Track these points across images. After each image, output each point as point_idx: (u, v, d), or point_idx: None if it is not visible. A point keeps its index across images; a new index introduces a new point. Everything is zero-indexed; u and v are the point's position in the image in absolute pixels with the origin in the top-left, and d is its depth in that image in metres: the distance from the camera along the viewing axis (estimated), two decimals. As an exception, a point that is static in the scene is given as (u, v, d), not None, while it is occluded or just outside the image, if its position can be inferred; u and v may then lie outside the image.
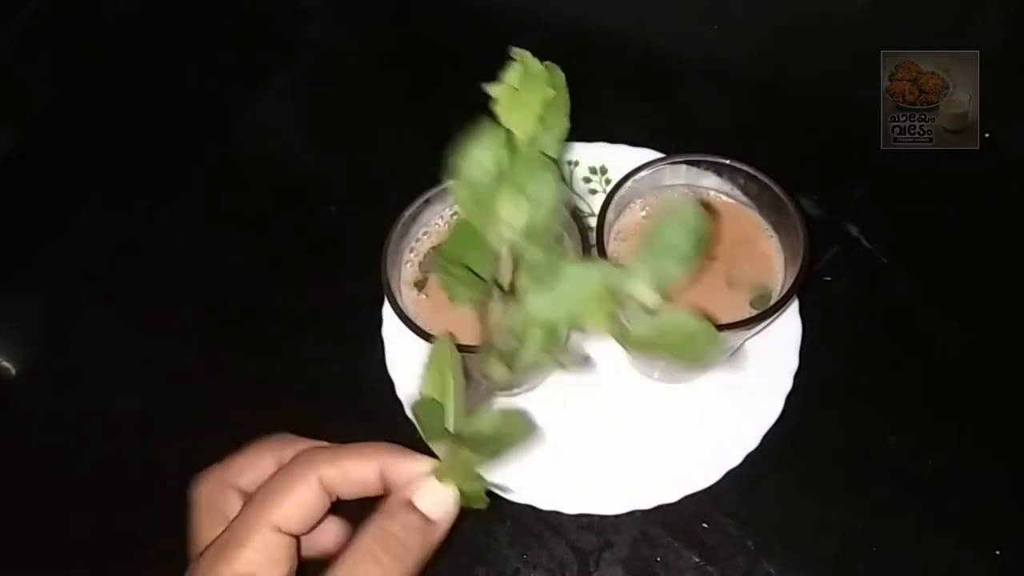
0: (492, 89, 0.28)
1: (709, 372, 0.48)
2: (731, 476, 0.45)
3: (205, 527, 0.30)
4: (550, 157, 0.29)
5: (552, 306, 0.28)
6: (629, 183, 0.43)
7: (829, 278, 0.53)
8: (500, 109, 0.28)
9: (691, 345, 0.27)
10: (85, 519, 0.48)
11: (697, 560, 0.45)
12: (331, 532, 0.33)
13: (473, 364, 0.42)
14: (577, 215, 0.41)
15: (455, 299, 0.30)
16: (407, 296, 0.43)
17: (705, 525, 0.46)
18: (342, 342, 0.52)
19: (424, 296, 0.42)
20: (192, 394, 0.52)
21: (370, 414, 0.48)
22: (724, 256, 0.43)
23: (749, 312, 0.41)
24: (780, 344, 0.48)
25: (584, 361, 0.47)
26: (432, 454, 0.30)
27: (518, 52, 0.28)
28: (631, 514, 0.45)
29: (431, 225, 0.44)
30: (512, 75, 0.28)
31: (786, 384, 0.47)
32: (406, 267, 0.43)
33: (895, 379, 0.50)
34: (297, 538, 0.30)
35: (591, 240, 0.41)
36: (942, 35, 0.63)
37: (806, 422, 0.47)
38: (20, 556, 0.48)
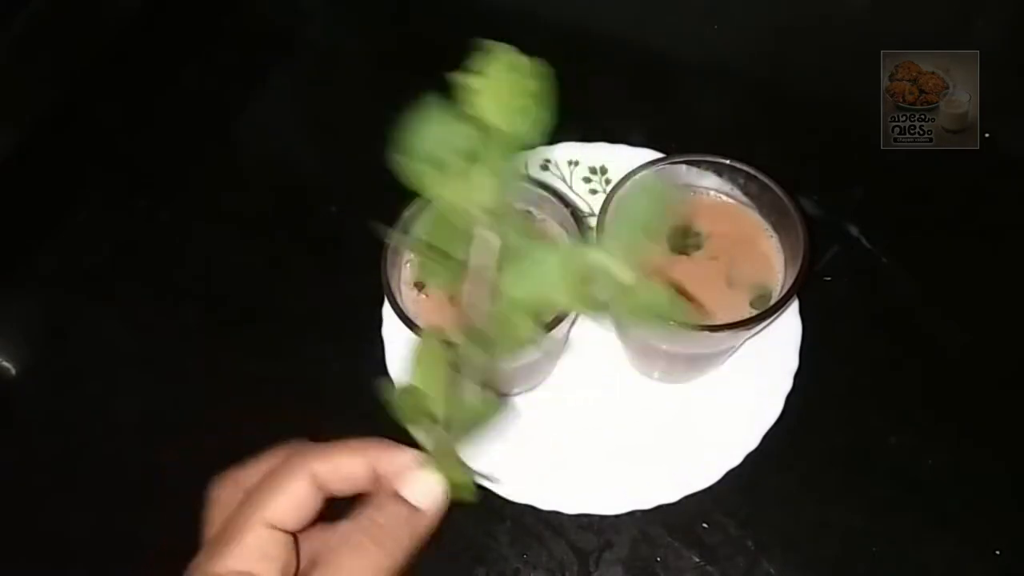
0: (465, 78, 0.28)
1: (709, 372, 0.48)
2: (731, 476, 0.45)
3: (259, 496, 0.30)
4: (526, 147, 0.29)
5: (527, 287, 0.28)
6: (629, 183, 0.43)
7: (829, 278, 0.53)
8: (475, 98, 0.28)
9: (662, 316, 0.28)
10: (85, 519, 0.48)
11: (697, 560, 0.45)
12: None
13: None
14: (577, 215, 0.41)
15: (428, 280, 0.31)
16: (407, 296, 0.43)
17: (705, 525, 0.46)
18: (342, 342, 0.52)
19: (424, 296, 0.42)
20: (192, 394, 0.52)
21: (370, 414, 0.47)
22: (724, 256, 0.43)
23: (749, 312, 0.41)
24: (780, 344, 0.48)
25: (562, 344, 0.47)
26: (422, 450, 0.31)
27: (492, 45, 0.28)
28: (631, 514, 0.45)
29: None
30: (488, 66, 0.28)
31: (786, 384, 0.47)
32: (406, 267, 0.43)
33: (895, 379, 0.50)
34: (294, 535, 0.30)
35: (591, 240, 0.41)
36: (942, 35, 0.63)
37: (806, 422, 0.47)
38: (20, 556, 0.48)
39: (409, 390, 0.30)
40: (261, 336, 0.54)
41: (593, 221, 0.43)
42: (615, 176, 0.48)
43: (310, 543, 0.31)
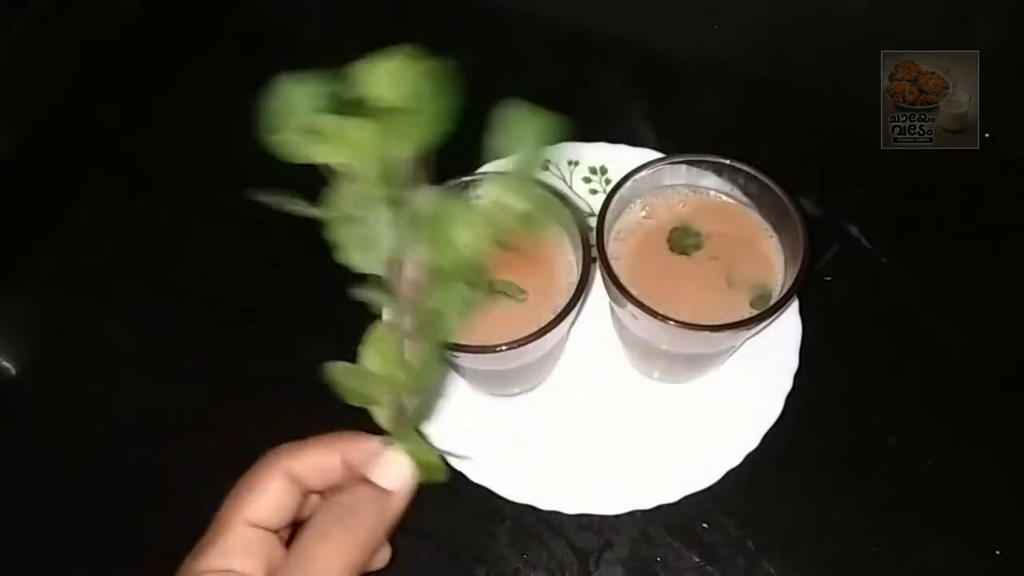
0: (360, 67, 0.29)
1: (709, 372, 0.48)
2: (731, 476, 0.45)
3: (236, 496, 0.31)
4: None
5: (450, 253, 0.30)
6: (629, 183, 0.43)
7: (829, 278, 0.53)
8: (367, 82, 0.29)
9: (545, 213, 0.30)
10: (85, 519, 0.48)
11: (697, 560, 0.45)
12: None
13: (469, 361, 0.42)
14: (577, 215, 0.41)
15: (346, 257, 0.32)
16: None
17: (705, 525, 0.46)
18: (342, 342, 0.52)
19: (424, 296, 0.42)
20: (192, 394, 0.52)
21: (370, 414, 0.48)
22: (724, 256, 0.43)
23: (749, 312, 0.41)
24: (780, 344, 0.48)
25: (563, 344, 0.47)
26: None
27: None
28: (631, 514, 0.45)
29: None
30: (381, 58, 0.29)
31: (786, 384, 0.47)
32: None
33: (895, 379, 0.50)
34: (277, 533, 0.31)
35: (591, 240, 0.41)
36: (942, 35, 0.63)
37: (806, 422, 0.47)
38: (20, 556, 0.48)
39: (353, 370, 0.31)
40: (261, 336, 0.54)
41: (593, 221, 0.43)
42: (615, 176, 0.48)
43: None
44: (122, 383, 0.53)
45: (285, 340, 0.53)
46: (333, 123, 0.29)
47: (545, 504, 0.45)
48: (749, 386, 0.47)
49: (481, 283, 0.32)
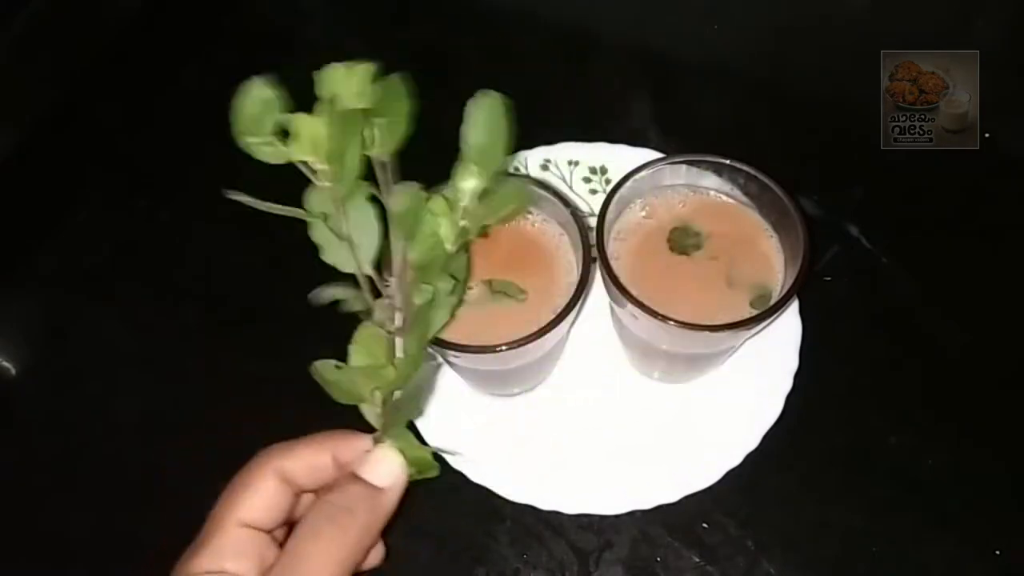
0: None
1: (709, 372, 0.48)
2: (731, 476, 0.45)
3: (228, 497, 0.31)
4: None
5: (424, 248, 0.31)
6: (629, 183, 0.43)
7: (829, 278, 0.53)
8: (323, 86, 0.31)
9: (514, 203, 0.32)
10: (85, 519, 0.48)
11: (697, 560, 0.45)
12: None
13: (469, 361, 0.42)
14: (577, 215, 0.41)
15: (332, 262, 0.33)
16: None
17: (705, 525, 0.46)
18: (342, 342, 0.52)
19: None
20: (192, 394, 0.52)
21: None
22: (724, 256, 0.43)
23: (749, 312, 0.41)
24: (780, 344, 0.48)
25: (563, 343, 0.47)
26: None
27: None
28: (631, 514, 0.45)
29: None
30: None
31: (786, 384, 0.47)
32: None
33: (895, 379, 0.50)
34: (270, 533, 0.31)
35: (591, 240, 0.41)
36: (942, 35, 0.63)
37: (806, 422, 0.47)
38: (20, 556, 0.48)
39: (340, 368, 0.31)
40: (261, 336, 0.54)
41: (593, 221, 0.43)
42: (615, 176, 0.48)
43: None
44: (122, 383, 0.53)
45: (285, 340, 0.53)
46: (298, 121, 0.29)
47: (545, 504, 0.45)
48: (749, 386, 0.47)
49: (464, 275, 0.33)
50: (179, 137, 0.64)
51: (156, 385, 0.53)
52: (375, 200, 0.32)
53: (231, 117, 0.30)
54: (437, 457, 0.33)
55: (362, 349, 0.32)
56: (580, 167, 0.55)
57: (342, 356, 0.32)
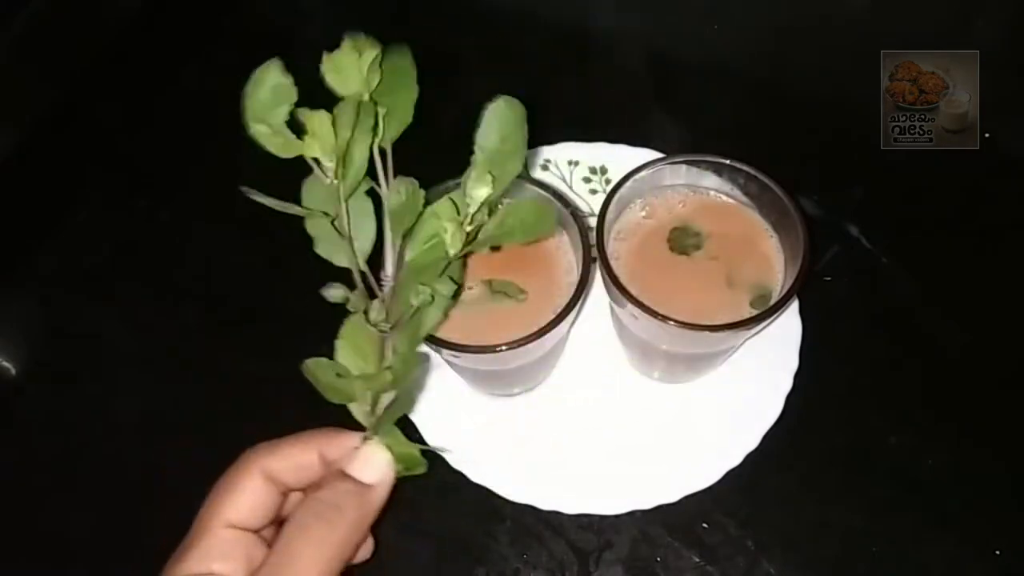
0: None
1: (709, 372, 0.48)
2: (731, 476, 0.45)
3: (214, 497, 0.31)
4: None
5: (422, 248, 0.31)
6: (629, 183, 0.43)
7: (829, 278, 0.53)
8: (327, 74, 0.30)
9: (531, 225, 0.31)
10: (85, 519, 0.48)
11: (697, 560, 0.45)
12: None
13: (469, 361, 0.42)
14: (577, 215, 0.41)
15: (326, 256, 0.32)
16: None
17: (705, 525, 0.46)
18: (342, 342, 0.52)
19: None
20: (192, 394, 0.52)
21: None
22: (724, 256, 0.43)
23: (749, 312, 0.41)
24: (780, 344, 0.48)
25: (563, 343, 0.47)
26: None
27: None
28: (631, 514, 0.45)
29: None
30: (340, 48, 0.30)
31: (786, 384, 0.47)
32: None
33: (895, 379, 0.50)
34: (258, 533, 0.31)
35: (591, 240, 0.41)
36: (942, 35, 0.63)
37: (806, 422, 0.47)
38: (20, 556, 0.48)
39: (329, 366, 0.31)
40: (261, 336, 0.54)
41: (593, 221, 0.43)
42: (615, 176, 0.48)
43: None
44: (122, 383, 0.53)
45: (285, 340, 0.53)
46: (312, 119, 0.29)
47: (545, 504, 0.45)
48: (749, 386, 0.47)
49: (459, 277, 0.32)
50: (179, 137, 0.64)
51: (156, 385, 0.53)
52: (372, 193, 0.32)
53: (242, 103, 0.30)
54: (429, 455, 0.33)
55: (348, 344, 0.32)
56: (580, 167, 0.55)
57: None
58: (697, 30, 0.67)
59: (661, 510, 0.45)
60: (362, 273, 0.32)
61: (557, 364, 0.49)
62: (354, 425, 0.33)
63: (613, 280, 0.40)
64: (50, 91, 0.67)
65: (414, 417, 0.47)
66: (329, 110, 0.30)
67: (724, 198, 0.45)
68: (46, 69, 0.68)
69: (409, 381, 0.32)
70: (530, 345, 0.38)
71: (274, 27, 0.71)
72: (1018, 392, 0.49)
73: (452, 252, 0.32)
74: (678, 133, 0.59)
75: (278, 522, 0.32)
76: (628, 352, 0.49)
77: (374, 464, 0.31)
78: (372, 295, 0.33)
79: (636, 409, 0.48)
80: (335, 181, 0.30)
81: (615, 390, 0.49)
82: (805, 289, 0.40)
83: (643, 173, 0.43)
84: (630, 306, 0.39)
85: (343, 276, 0.33)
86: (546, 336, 0.38)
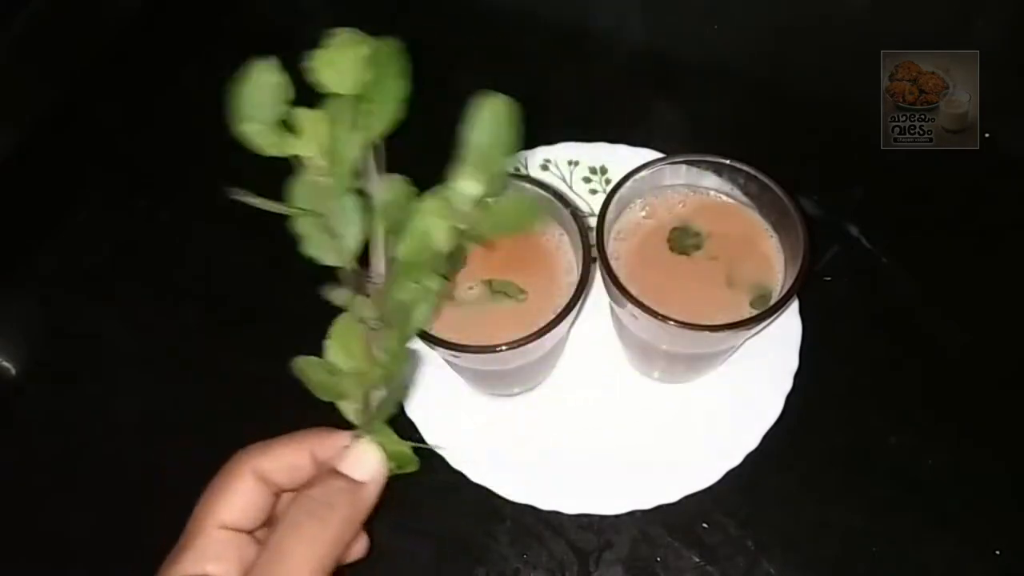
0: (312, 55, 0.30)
1: (709, 372, 0.48)
2: (731, 476, 0.45)
3: (207, 499, 0.31)
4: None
5: (414, 246, 0.31)
6: (629, 183, 0.43)
7: (829, 278, 0.53)
8: (318, 70, 0.30)
9: (518, 218, 0.31)
10: (85, 519, 0.48)
11: (697, 560, 0.45)
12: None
13: (469, 361, 0.42)
14: (577, 215, 0.41)
15: (310, 251, 0.32)
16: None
17: (705, 525, 0.46)
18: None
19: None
20: (192, 394, 0.52)
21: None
22: (724, 256, 0.43)
23: (749, 312, 0.41)
24: (780, 344, 0.48)
25: (563, 343, 0.47)
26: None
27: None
28: (631, 514, 0.45)
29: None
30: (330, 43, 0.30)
31: (786, 384, 0.47)
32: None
33: (895, 379, 0.50)
34: (252, 533, 0.31)
35: (591, 240, 0.41)
36: (942, 35, 0.63)
37: (806, 422, 0.47)
38: (20, 556, 0.48)
39: (319, 363, 0.32)
40: (261, 336, 0.54)
41: (593, 221, 0.43)
42: (615, 176, 0.48)
43: None
44: (122, 383, 0.53)
45: (285, 340, 0.53)
46: (302, 116, 0.29)
47: (545, 504, 0.45)
48: (749, 386, 0.47)
49: (449, 272, 0.32)
50: (179, 137, 0.64)
51: (156, 385, 0.53)
52: (360, 192, 0.32)
53: (231, 101, 0.30)
54: (423, 453, 0.33)
55: (338, 344, 0.32)
56: (580, 167, 0.55)
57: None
58: (697, 30, 0.67)
59: (661, 510, 0.45)
60: (353, 272, 0.32)
61: (557, 364, 0.49)
62: (349, 427, 0.33)
63: (613, 280, 0.40)
64: (50, 91, 0.67)
65: (414, 417, 0.47)
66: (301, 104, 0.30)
67: (724, 198, 0.45)
68: (46, 69, 0.68)
69: (399, 378, 0.32)
70: (530, 345, 0.38)
71: (274, 27, 0.71)
72: (1018, 392, 0.49)
73: (442, 249, 0.32)
74: (678, 133, 0.59)
75: (272, 523, 0.32)
76: (628, 352, 0.49)
77: (366, 462, 0.31)
78: (362, 293, 0.33)
79: (636, 409, 0.48)
80: (322, 178, 0.30)
81: (615, 390, 0.49)
82: (805, 289, 0.40)
83: (643, 173, 0.43)
84: (630, 306, 0.39)
85: (335, 275, 0.33)
86: (546, 336, 0.38)
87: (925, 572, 0.44)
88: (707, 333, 0.39)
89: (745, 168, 0.43)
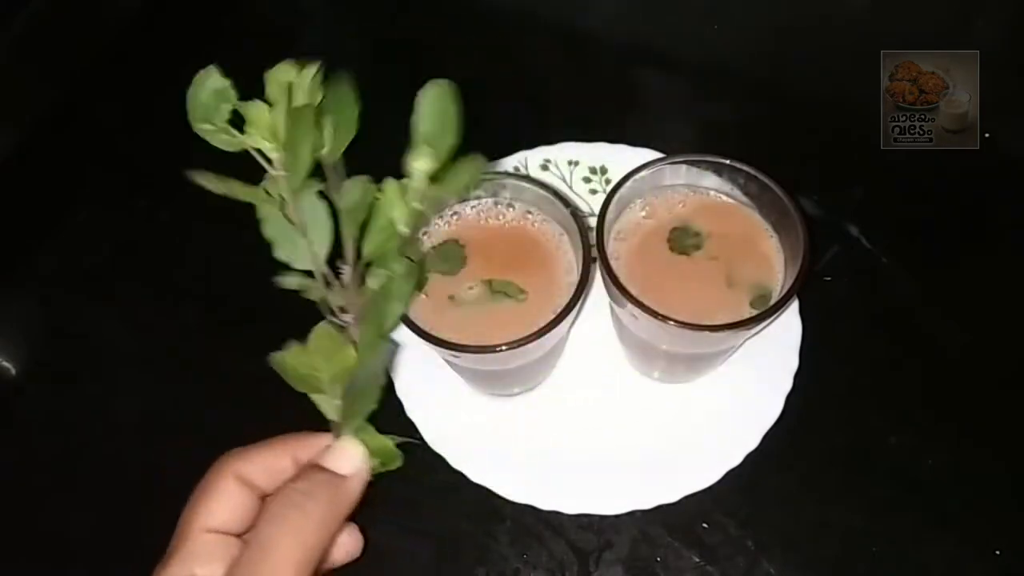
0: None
1: (709, 372, 0.48)
2: (731, 476, 0.45)
3: (191, 504, 0.31)
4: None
5: (375, 240, 0.32)
6: (629, 183, 0.43)
7: (829, 278, 0.53)
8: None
9: (464, 177, 0.32)
10: (85, 519, 0.48)
11: (697, 560, 0.45)
12: (341, 545, 0.34)
13: (469, 361, 0.42)
14: (577, 215, 0.41)
15: (284, 258, 0.35)
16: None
17: (705, 525, 0.46)
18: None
19: (424, 296, 0.43)
20: (192, 394, 0.52)
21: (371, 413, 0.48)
22: (724, 256, 0.43)
23: (749, 312, 0.41)
24: (780, 344, 0.48)
25: (562, 343, 0.47)
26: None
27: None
28: (631, 514, 0.45)
29: (431, 225, 0.44)
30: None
31: (786, 384, 0.47)
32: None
33: (895, 379, 0.50)
34: (240, 536, 0.31)
35: (591, 240, 0.41)
36: (942, 35, 0.63)
37: (806, 422, 0.47)
38: (20, 556, 0.48)
39: (296, 357, 0.33)
40: (261, 336, 0.53)
41: (593, 221, 0.43)
42: (615, 176, 0.48)
43: None
44: (122, 383, 0.53)
45: (285, 340, 0.53)
46: (251, 108, 0.30)
47: (545, 504, 0.45)
48: (749, 386, 0.47)
49: (418, 256, 0.33)
50: (179, 137, 0.64)
51: (156, 385, 0.53)
52: (326, 198, 0.33)
53: (187, 102, 0.32)
54: (406, 448, 0.33)
55: (319, 347, 0.33)
56: (580, 167, 0.55)
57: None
58: (697, 30, 0.67)
59: (661, 510, 0.45)
60: (324, 272, 0.33)
61: (557, 364, 0.49)
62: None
63: (613, 280, 0.40)
64: (50, 91, 0.67)
65: (414, 417, 0.47)
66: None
67: (724, 198, 0.45)
68: (46, 69, 0.68)
69: (372, 367, 0.32)
70: (530, 345, 0.38)
71: (274, 27, 0.71)
72: (1018, 392, 0.49)
73: (402, 228, 0.32)
74: (678, 133, 0.59)
75: None
76: (628, 352, 0.49)
77: (348, 456, 0.32)
78: (332, 290, 0.33)
79: (636, 409, 0.48)
80: (283, 172, 0.31)
81: (615, 390, 0.49)
82: (805, 289, 0.40)
83: (643, 173, 0.43)
84: (630, 306, 0.39)
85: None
86: (546, 336, 0.38)
87: (925, 572, 0.44)
88: (707, 333, 0.39)
89: (745, 168, 0.43)
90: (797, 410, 0.46)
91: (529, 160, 0.55)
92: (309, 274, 0.33)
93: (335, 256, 0.34)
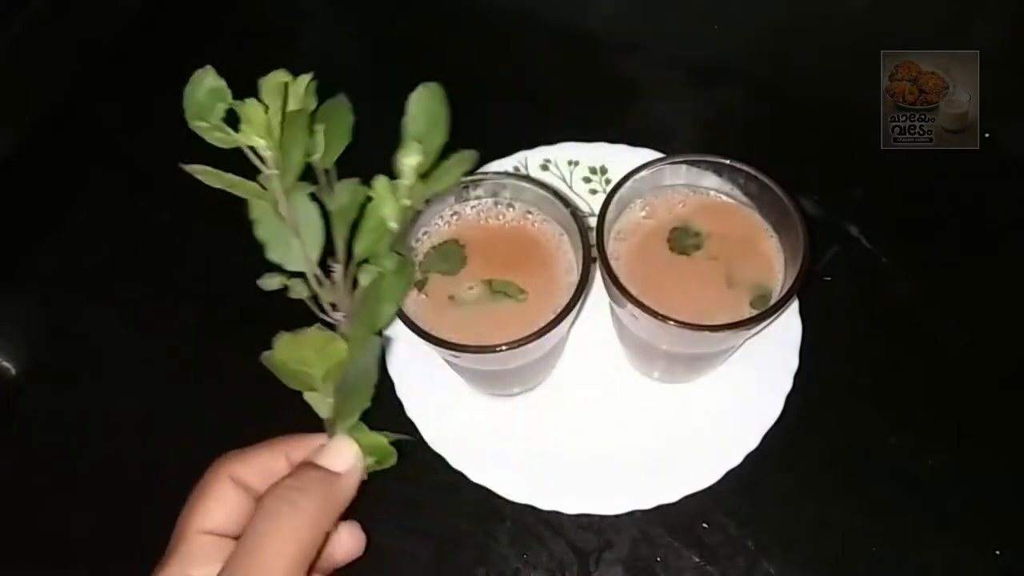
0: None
1: (709, 372, 0.48)
2: (731, 476, 0.45)
3: (188, 507, 0.32)
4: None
5: (366, 240, 0.33)
6: (629, 183, 0.43)
7: (829, 278, 0.53)
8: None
9: (454, 173, 0.33)
10: (85, 519, 0.48)
11: (697, 560, 0.45)
12: (343, 544, 0.34)
13: (469, 361, 0.42)
14: (577, 215, 0.41)
15: (277, 260, 0.35)
16: (407, 297, 0.43)
17: (705, 525, 0.46)
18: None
19: (424, 296, 0.43)
20: (192, 394, 0.52)
21: (369, 413, 0.48)
22: (724, 256, 0.43)
23: (749, 312, 0.41)
24: (780, 344, 0.48)
25: (562, 343, 0.47)
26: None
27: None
28: (631, 514, 0.45)
29: (431, 225, 0.44)
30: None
31: (786, 384, 0.47)
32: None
33: (895, 379, 0.50)
34: (236, 538, 0.31)
35: (591, 240, 0.41)
36: (942, 35, 0.63)
37: (806, 422, 0.47)
38: (20, 556, 0.48)
39: (290, 344, 0.33)
40: (261, 336, 0.54)
41: (593, 221, 0.43)
42: (615, 176, 0.48)
43: None
44: (122, 383, 0.53)
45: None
46: (246, 107, 0.31)
47: (545, 504, 0.45)
48: (749, 386, 0.47)
49: (409, 252, 0.34)
50: (179, 137, 0.64)
51: (156, 385, 0.53)
52: (318, 201, 0.33)
53: (183, 100, 0.32)
54: (400, 446, 0.33)
55: (311, 346, 0.33)
56: (580, 167, 0.55)
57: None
58: (697, 30, 0.67)
59: (661, 510, 0.45)
60: (316, 273, 0.33)
61: (557, 364, 0.49)
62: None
63: (613, 280, 0.40)
64: (50, 91, 0.67)
65: (414, 417, 0.47)
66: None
67: (724, 198, 0.45)
68: (46, 69, 0.68)
69: (366, 366, 0.32)
70: (530, 345, 0.38)
71: (274, 27, 0.71)
72: (1018, 392, 0.49)
73: (392, 225, 0.32)
74: (678, 133, 0.59)
75: None
76: (628, 352, 0.49)
77: (342, 453, 0.32)
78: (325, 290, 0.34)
79: (636, 409, 0.48)
80: (277, 171, 0.32)
81: (615, 390, 0.49)
82: (805, 289, 0.40)
83: (643, 173, 0.43)
84: (630, 306, 0.39)
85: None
86: (546, 336, 0.38)
87: (925, 572, 0.44)
88: (707, 333, 0.39)
89: (745, 168, 0.43)
90: (797, 410, 0.46)
91: (529, 160, 0.55)
92: (297, 274, 0.33)
93: (327, 256, 0.34)
